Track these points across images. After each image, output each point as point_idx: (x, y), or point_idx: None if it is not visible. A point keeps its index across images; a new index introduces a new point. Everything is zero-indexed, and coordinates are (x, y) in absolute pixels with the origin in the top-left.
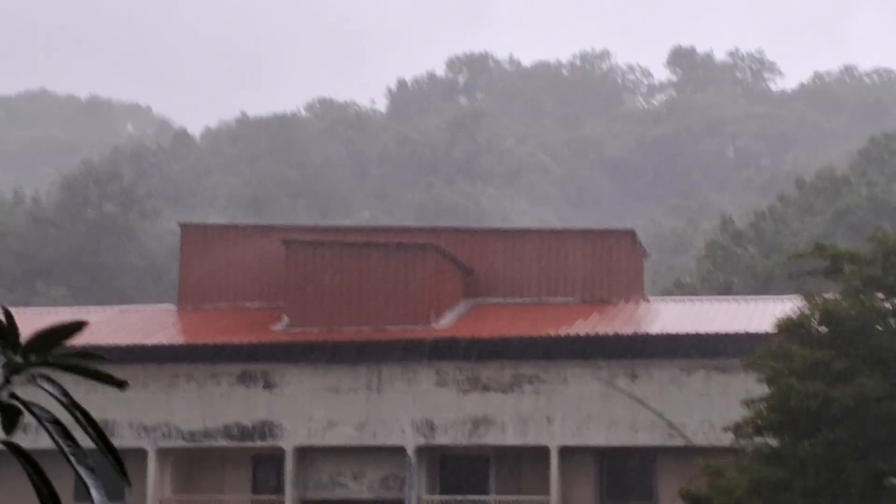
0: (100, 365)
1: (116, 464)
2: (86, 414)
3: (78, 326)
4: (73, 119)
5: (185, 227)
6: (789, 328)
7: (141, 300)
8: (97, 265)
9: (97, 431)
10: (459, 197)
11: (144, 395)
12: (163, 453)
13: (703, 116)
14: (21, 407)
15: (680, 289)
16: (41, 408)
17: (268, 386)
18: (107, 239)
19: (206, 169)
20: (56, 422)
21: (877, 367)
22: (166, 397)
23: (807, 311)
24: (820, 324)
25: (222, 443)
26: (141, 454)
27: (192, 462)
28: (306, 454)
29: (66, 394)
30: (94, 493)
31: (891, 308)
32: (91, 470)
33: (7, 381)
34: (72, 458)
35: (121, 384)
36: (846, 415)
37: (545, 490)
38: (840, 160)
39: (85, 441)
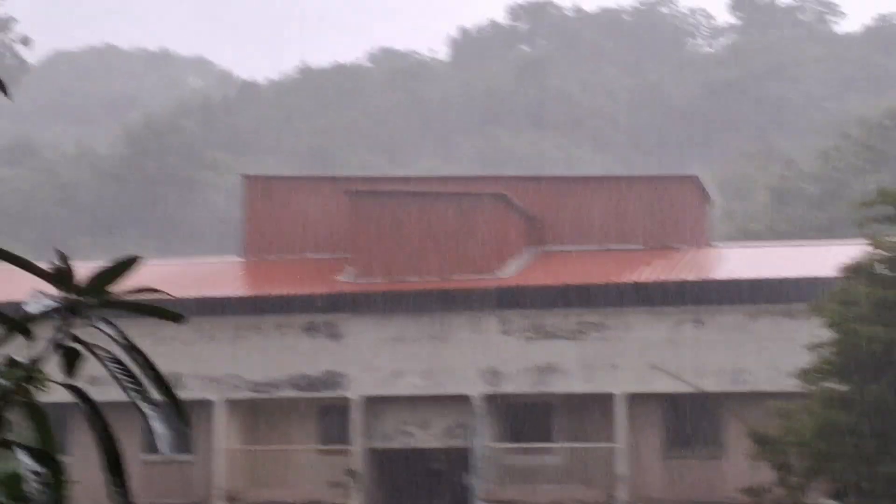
0: (158, 299)
1: (175, 406)
2: (143, 356)
3: (132, 261)
4: (137, 73)
5: (248, 179)
6: (855, 271)
7: (207, 253)
8: (162, 218)
9: (155, 374)
10: (523, 145)
11: (211, 346)
12: (230, 404)
13: (766, 60)
14: (82, 349)
15: (745, 234)
16: (103, 349)
17: (333, 336)
18: (171, 192)
19: (269, 121)
20: (118, 361)
21: None
22: (232, 349)
23: (872, 255)
24: (885, 266)
25: (289, 393)
26: (208, 406)
27: (258, 413)
28: (372, 404)
29: (123, 336)
30: (155, 427)
31: None
32: (154, 405)
33: (65, 323)
34: (134, 396)
35: (177, 318)
36: None
37: (611, 437)
38: None
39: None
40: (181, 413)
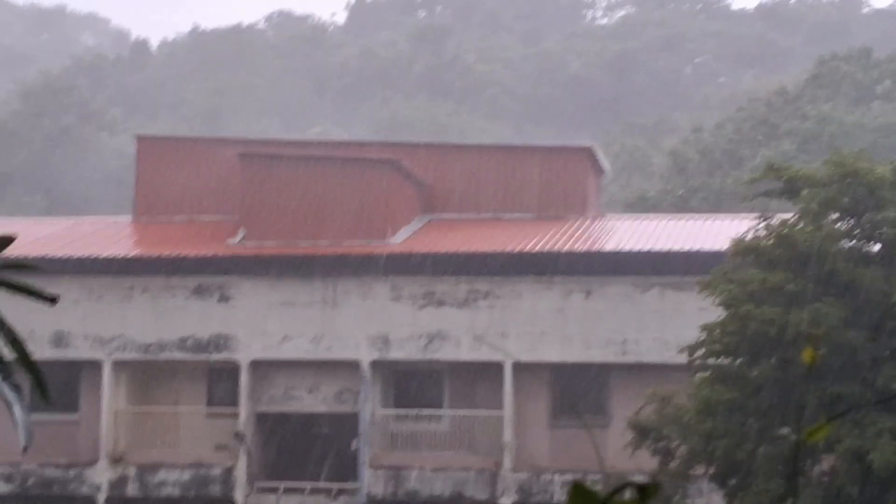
0: (33, 276)
1: (36, 381)
2: (9, 330)
3: (6, 242)
4: (31, 29)
5: (141, 139)
6: (745, 251)
7: (99, 213)
8: (55, 177)
9: (18, 348)
10: (418, 112)
11: (99, 306)
12: (118, 365)
13: (661, 34)
14: None
15: (640, 206)
16: None
17: (223, 299)
18: (64, 150)
19: (163, 81)
20: None
21: (834, 291)
22: (121, 309)
23: (763, 234)
24: (776, 247)
25: (177, 355)
26: (96, 366)
27: (146, 374)
28: (261, 367)
29: None
30: (17, 416)
31: (847, 231)
32: (17, 389)
33: None
34: None
35: (51, 299)
36: (801, 339)
37: (498, 405)
38: (797, 80)
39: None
40: (41, 386)
